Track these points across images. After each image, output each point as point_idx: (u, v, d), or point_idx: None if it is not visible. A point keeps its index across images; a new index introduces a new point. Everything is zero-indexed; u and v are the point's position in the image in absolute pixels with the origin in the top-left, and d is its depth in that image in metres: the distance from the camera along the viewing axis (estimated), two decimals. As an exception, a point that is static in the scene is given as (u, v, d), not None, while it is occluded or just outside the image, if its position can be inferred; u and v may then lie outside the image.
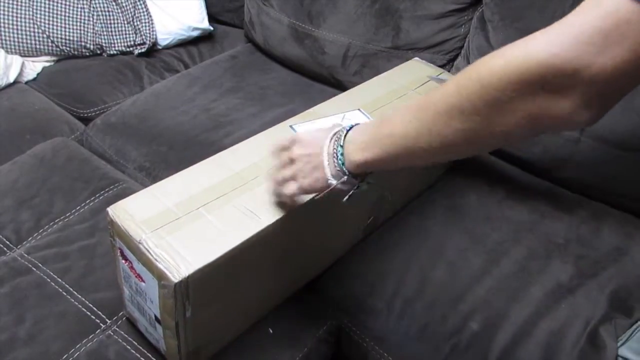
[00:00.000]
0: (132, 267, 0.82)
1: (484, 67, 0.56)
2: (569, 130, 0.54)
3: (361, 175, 0.76)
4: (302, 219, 0.90)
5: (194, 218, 0.82)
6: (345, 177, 0.74)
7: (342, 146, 0.74)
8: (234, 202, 0.86)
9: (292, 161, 0.79)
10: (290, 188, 0.79)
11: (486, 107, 0.55)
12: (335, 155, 0.74)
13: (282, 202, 0.85)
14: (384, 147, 0.69)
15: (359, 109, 1.08)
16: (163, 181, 0.89)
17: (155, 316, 0.83)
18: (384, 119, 0.70)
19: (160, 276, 0.75)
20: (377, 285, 1.08)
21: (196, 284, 0.76)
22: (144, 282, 0.80)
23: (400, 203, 1.21)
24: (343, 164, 0.73)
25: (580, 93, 0.50)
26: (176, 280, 0.73)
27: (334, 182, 0.75)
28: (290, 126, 1.03)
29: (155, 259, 0.75)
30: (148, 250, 0.76)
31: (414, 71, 1.25)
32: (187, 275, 0.74)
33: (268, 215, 0.84)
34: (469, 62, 1.42)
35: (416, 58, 1.32)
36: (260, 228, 0.82)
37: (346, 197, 0.77)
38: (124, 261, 0.83)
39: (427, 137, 0.63)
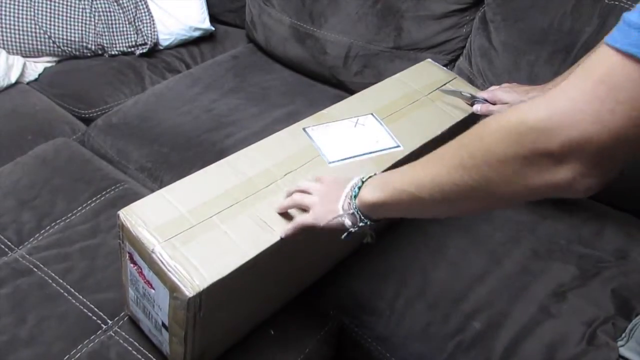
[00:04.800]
0: (141, 273, 0.81)
1: (486, 125, 0.57)
2: (570, 197, 0.53)
3: (368, 218, 0.77)
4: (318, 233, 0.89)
5: (208, 228, 0.81)
6: (352, 210, 0.77)
7: (362, 181, 0.77)
8: (247, 211, 0.85)
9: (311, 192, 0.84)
10: (304, 218, 0.82)
11: (485, 165, 0.56)
12: (353, 190, 0.78)
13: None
14: (391, 192, 0.71)
15: (372, 114, 1.07)
16: (175, 184, 0.87)
17: (163, 322, 0.82)
18: (402, 167, 0.73)
19: (173, 288, 0.75)
20: (378, 285, 1.07)
21: (209, 296, 0.75)
22: (153, 289, 0.80)
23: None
24: (355, 196, 0.77)
25: (579, 161, 0.49)
26: (190, 295, 0.73)
27: (341, 211, 0.78)
28: (304, 129, 1.02)
29: (169, 271, 0.74)
30: (162, 261, 0.75)
31: (427, 74, 1.23)
32: (201, 290, 0.73)
33: (281, 227, 0.83)
34: (470, 63, 1.42)
35: (429, 60, 1.30)
36: (274, 241, 0.82)
37: (344, 235, 0.80)
38: (132, 265, 0.83)
39: (429, 187, 0.64)
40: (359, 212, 0.77)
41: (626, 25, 0.47)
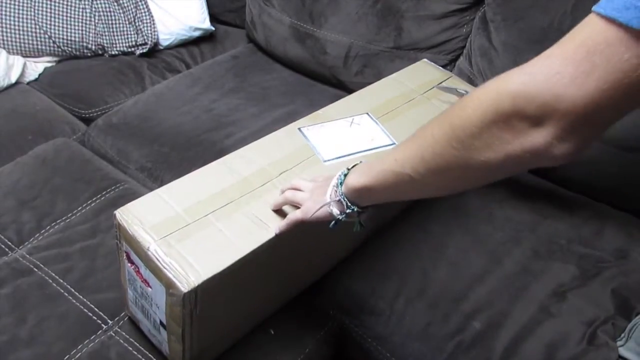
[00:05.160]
0: (138, 272, 0.81)
1: (467, 97, 0.58)
2: (551, 165, 0.52)
3: (356, 205, 0.77)
4: (310, 227, 0.89)
5: (203, 226, 0.82)
6: (339, 198, 0.77)
7: (348, 169, 0.78)
8: (243, 209, 0.85)
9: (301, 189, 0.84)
10: (295, 213, 0.82)
11: (466, 135, 0.56)
12: (339, 178, 0.78)
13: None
14: (375, 174, 0.72)
15: (367, 113, 1.08)
16: (171, 184, 0.88)
17: (161, 321, 0.82)
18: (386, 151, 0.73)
19: (169, 285, 0.75)
20: (378, 285, 1.07)
21: (204, 293, 0.75)
22: (150, 287, 0.80)
23: (406, 203, 1.20)
24: (341, 184, 0.77)
25: (555, 125, 0.49)
26: (185, 290, 0.73)
27: (328, 199, 0.78)
28: (299, 129, 1.02)
29: (165, 268, 0.75)
30: (157, 258, 0.76)
31: (423, 74, 1.23)
32: (196, 285, 0.74)
33: (277, 224, 0.84)
34: (470, 63, 1.42)
35: (425, 60, 1.31)
36: (269, 237, 0.82)
37: (332, 223, 0.80)
38: (130, 265, 0.83)
39: (413, 162, 0.65)
40: (346, 199, 0.77)
41: None
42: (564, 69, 0.48)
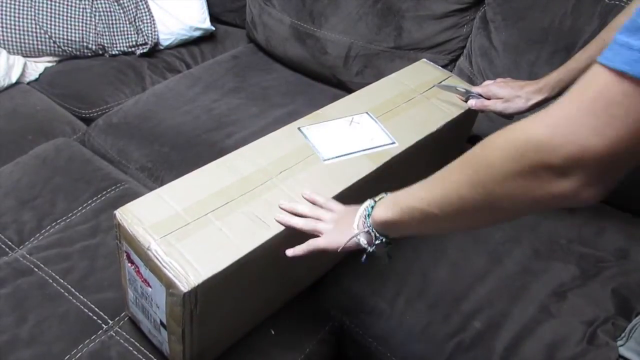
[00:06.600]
0: (138, 272, 0.81)
1: (489, 144, 0.59)
2: (575, 206, 0.54)
3: (384, 236, 0.79)
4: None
5: (203, 225, 0.82)
6: (367, 229, 0.78)
7: (375, 201, 0.79)
8: (242, 208, 0.85)
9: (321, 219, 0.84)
10: (317, 242, 0.83)
11: (490, 181, 0.58)
12: (366, 209, 0.79)
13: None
14: (402, 210, 0.73)
15: (367, 113, 1.08)
16: (171, 183, 0.88)
17: (161, 321, 0.82)
18: (412, 186, 0.73)
19: (169, 284, 0.75)
20: (379, 285, 1.07)
21: (205, 292, 0.75)
22: (150, 287, 0.80)
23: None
24: (369, 215, 0.78)
25: (581, 173, 0.51)
26: (185, 290, 0.73)
27: (356, 230, 0.79)
28: (299, 128, 1.02)
29: (164, 267, 0.75)
30: (157, 258, 0.76)
31: (422, 73, 1.24)
32: (196, 284, 0.74)
33: (277, 224, 0.84)
34: (471, 63, 1.42)
35: (424, 59, 1.31)
36: (269, 237, 0.82)
37: (363, 257, 0.81)
38: (130, 264, 0.83)
39: (440, 202, 0.66)
40: (374, 230, 0.78)
41: (617, 44, 0.49)
42: (585, 121, 0.50)
